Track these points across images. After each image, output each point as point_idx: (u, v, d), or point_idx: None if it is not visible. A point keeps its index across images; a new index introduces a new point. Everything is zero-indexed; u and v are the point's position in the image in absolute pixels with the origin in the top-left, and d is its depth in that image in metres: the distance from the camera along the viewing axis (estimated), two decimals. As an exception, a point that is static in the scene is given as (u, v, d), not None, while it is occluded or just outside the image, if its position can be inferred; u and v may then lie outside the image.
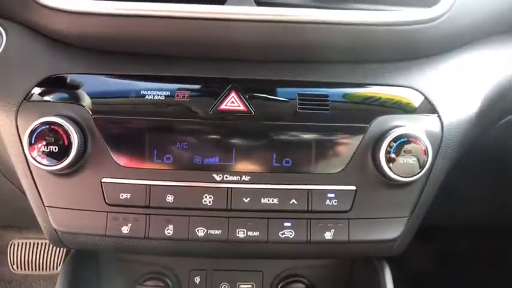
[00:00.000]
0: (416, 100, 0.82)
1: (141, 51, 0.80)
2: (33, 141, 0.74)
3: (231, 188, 0.79)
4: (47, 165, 0.74)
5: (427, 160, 0.77)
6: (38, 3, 0.75)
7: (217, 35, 0.76)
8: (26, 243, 1.59)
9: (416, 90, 0.82)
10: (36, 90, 0.79)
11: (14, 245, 1.59)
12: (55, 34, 0.81)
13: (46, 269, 1.58)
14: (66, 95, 0.79)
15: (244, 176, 0.79)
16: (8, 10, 0.81)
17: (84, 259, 1.03)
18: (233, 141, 0.79)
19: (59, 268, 1.57)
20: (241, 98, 0.79)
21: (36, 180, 0.79)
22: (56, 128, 0.74)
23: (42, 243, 1.58)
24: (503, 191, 1.07)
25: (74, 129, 0.74)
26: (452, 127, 0.82)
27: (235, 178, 0.79)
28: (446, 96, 0.83)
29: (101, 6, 0.73)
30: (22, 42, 0.81)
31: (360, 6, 0.76)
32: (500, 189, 1.07)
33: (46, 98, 0.79)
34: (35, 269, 1.59)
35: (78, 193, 0.79)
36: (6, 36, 0.80)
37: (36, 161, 0.74)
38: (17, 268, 1.59)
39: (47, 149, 0.74)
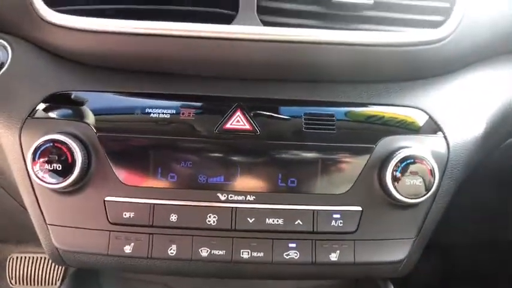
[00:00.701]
0: (421, 120, 0.82)
1: (146, 69, 0.80)
2: (36, 159, 0.73)
3: (236, 207, 0.78)
4: (50, 183, 0.74)
5: (433, 181, 0.77)
6: (44, 20, 0.75)
7: (224, 54, 0.76)
8: (25, 257, 1.57)
9: (422, 110, 0.82)
10: (41, 107, 0.78)
11: (13, 259, 1.57)
12: (60, 51, 0.80)
13: (45, 283, 1.56)
14: (70, 112, 0.79)
15: (249, 196, 0.79)
16: (13, 26, 0.81)
17: (85, 277, 1.01)
18: (238, 160, 0.79)
19: (57, 283, 1.55)
20: (246, 117, 0.78)
21: (38, 197, 0.78)
22: (60, 145, 0.73)
23: (41, 258, 1.56)
24: (504, 212, 1.06)
25: (78, 147, 0.74)
26: (458, 148, 0.82)
27: (240, 198, 0.79)
28: (452, 117, 0.83)
29: (108, 25, 0.73)
30: (27, 58, 0.81)
31: (365, 26, 0.76)
32: (501, 209, 1.06)
33: (50, 114, 0.78)
34: (34, 284, 1.57)
35: (80, 211, 0.78)
36: (12, 52, 0.80)
37: (39, 179, 0.74)
38: (16, 283, 1.57)
39: (51, 167, 0.73)
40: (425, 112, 0.82)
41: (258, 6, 0.73)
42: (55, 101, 0.79)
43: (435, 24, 0.77)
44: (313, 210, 0.79)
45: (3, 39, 0.82)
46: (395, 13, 0.76)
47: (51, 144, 0.73)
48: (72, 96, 0.79)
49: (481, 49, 0.85)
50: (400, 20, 0.76)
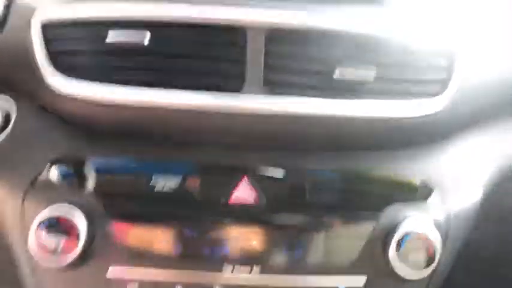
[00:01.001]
0: (423, 189, 0.83)
1: (152, 136, 0.80)
2: (39, 235, 0.72)
3: (242, 280, 0.78)
4: (52, 260, 0.72)
5: (436, 253, 0.78)
6: (51, 88, 0.75)
7: (230, 126, 0.76)
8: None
9: (423, 178, 0.83)
10: (45, 173, 0.77)
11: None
12: (67, 116, 0.80)
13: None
14: (75, 179, 0.77)
15: (255, 267, 0.78)
16: (19, 88, 0.81)
17: None
18: (243, 231, 0.79)
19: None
20: (252, 188, 0.78)
21: (37, 270, 0.76)
22: (64, 220, 0.72)
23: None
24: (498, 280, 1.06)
25: (83, 221, 0.73)
26: (460, 217, 0.83)
27: (245, 269, 0.78)
28: (453, 185, 0.84)
29: (115, 96, 0.73)
30: (32, 120, 0.80)
31: (366, 98, 0.76)
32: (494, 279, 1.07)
33: (55, 182, 0.77)
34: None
35: (82, 286, 0.76)
36: (16, 113, 0.80)
37: (41, 253, 0.72)
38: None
39: (54, 242, 0.72)
40: (427, 180, 0.83)
41: (264, 78, 0.74)
42: (60, 167, 0.78)
43: (433, 94, 0.78)
44: (319, 284, 0.79)
45: (7, 100, 0.81)
46: (394, 85, 0.77)
47: (55, 220, 0.72)
48: (77, 162, 0.78)
49: (480, 114, 0.87)
50: (399, 91, 0.77)
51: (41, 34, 0.74)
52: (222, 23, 0.72)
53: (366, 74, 0.74)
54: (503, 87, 0.86)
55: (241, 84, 0.74)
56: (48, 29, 0.75)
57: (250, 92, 0.74)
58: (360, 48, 0.75)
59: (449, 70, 0.78)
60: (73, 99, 0.75)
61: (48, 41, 0.75)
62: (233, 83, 0.74)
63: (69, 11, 0.74)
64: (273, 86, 0.75)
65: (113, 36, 0.71)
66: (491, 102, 0.86)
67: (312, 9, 0.74)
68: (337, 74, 0.73)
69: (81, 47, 0.75)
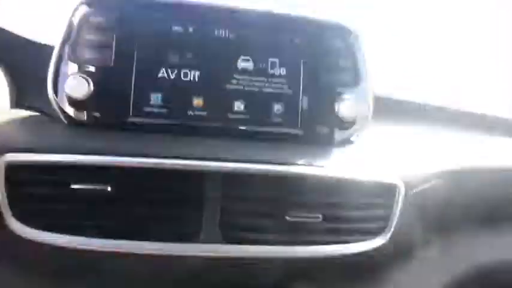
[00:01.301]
0: None
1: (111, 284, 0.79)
2: None
3: None
4: None
5: None
6: (17, 236, 0.71)
7: (187, 271, 0.77)
8: None
9: None
10: None
11: None
12: (27, 261, 0.76)
13: None
14: None
15: None
16: None
17: None
18: None
19: None
20: None
21: None
22: None
23: None
24: None
25: None
26: None
27: None
28: None
29: (73, 243, 0.71)
30: None
31: (316, 237, 0.79)
32: None
33: None
34: None
35: None
36: None
37: None
38: None
39: None
40: None
41: (220, 222, 0.76)
42: None
43: (377, 231, 0.82)
44: None
45: None
46: (340, 224, 0.80)
47: None
48: None
49: (423, 240, 0.90)
50: (344, 230, 0.80)
51: (3, 177, 0.71)
52: (180, 171, 0.74)
53: (315, 216, 0.78)
54: (444, 214, 0.91)
55: (199, 227, 0.75)
56: (12, 172, 0.72)
57: (206, 234, 0.75)
58: (309, 191, 0.78)
59: (390, 207, 0.82)
60: (33, 244, 0.71)
61: (10, 185, 0.71)
62: (190, 228, 0.75)
63: (31, 157, 0.72)
64: (228, 228, 0.76)
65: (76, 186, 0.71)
66: (435, 226, 0.91)
67: (265, 154, 0.78)
68: (289, 216, 0.77)
69: (42, 192, 0.72)
